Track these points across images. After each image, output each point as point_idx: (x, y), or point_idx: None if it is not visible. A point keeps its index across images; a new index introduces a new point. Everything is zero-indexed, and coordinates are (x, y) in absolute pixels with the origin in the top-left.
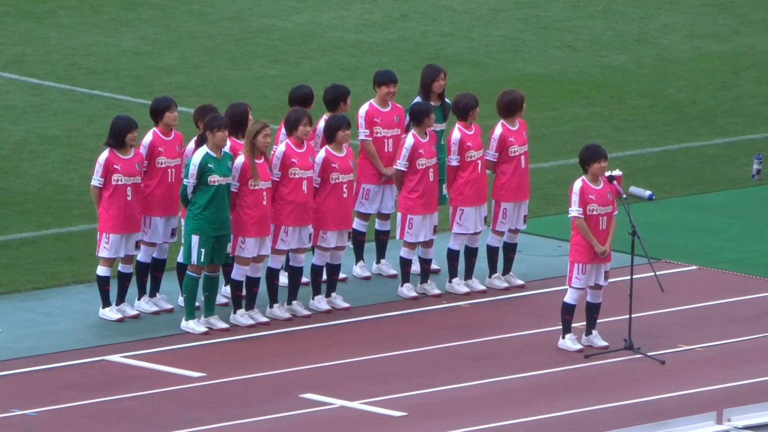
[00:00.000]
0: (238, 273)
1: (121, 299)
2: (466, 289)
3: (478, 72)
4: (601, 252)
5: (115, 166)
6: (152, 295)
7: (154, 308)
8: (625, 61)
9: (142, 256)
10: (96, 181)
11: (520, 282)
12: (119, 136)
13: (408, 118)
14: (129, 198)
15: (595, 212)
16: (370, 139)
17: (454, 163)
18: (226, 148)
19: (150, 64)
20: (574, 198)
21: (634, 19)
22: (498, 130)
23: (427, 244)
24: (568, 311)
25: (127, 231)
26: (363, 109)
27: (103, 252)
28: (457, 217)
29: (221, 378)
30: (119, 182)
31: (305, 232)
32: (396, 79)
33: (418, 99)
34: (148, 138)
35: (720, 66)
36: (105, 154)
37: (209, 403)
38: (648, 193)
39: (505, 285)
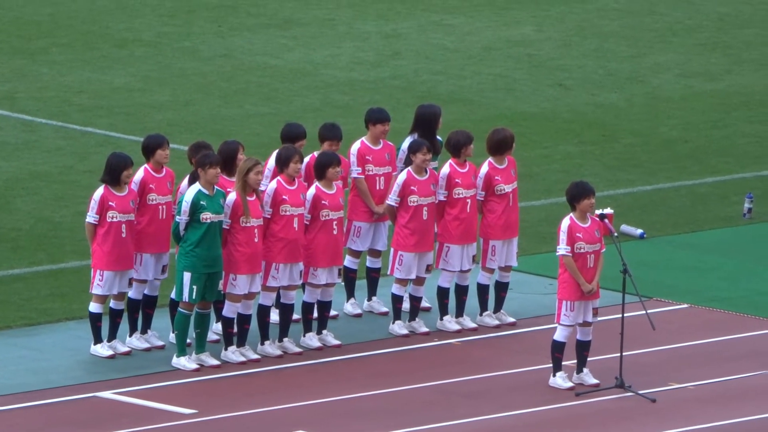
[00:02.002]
0: (230, 310)
1: (112, 336)
2: (457, 327)
3: (470, 110)
4: (588, 290)
5: (110, 203)
6: (144, 331)
7: (146, 345)
8: (617, 100)
9: (133, 292)
10: (91, 217)
11: (512, 320)
12: (114, 173)
13: (402, 155)
14: (123, 235)
15: (582, 250)
16: (363, 177)
17: (441, 197)
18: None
19: (142, 101)
20: (562, 236)
21: (626, 58)
22: (484, 168)
23: (419, 281)
24: (558, 349)
25: (121, 268)
26: (355, 147)
27: (97, 289)
28: (443, 254)
29: (212, 415)
30: (114, 219)
31: (296, 269)
32: (389, 116)
33: (409, 137)
34: (139, 175)
35: (712, 105)
36: (100, 191)
37: None
38: (639, 231)
39: (496, 323)
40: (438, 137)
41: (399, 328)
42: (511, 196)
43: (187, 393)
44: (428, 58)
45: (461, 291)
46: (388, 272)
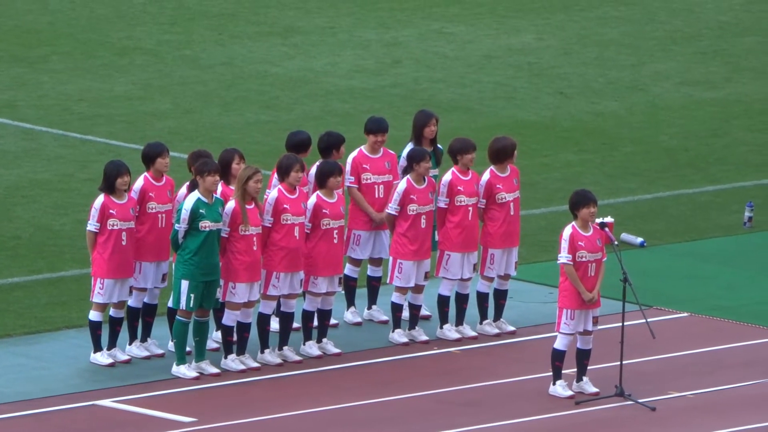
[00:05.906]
0: (229, 318)
1: (112, 344)
2: (457, 335)
3: (471, 118)
4: (589, 299)
5: (111, 211)
6: (143, 340)
7: (145, 353)
8: (617, 108)
9: (133, 301)
10: (92, 226)
11: (511, 328)
12: (109, 180)
13: (403, 162)
14: (124, 243)
15: (584, 259)
16: (356, 186)
17: (442, 205)
18: (217, 194)
19: (142, 110)
20: (564, 244)
21: (627, 67)
22: (485, 176)
23: (417, 289)
24: (558, 357)
25: (122, 276)
26: (351, 156)
27: (98, 297)
28: (444, 261)
29: (212, 423)
30: (114, 227)
31: (297, 278)
32: (386, 128)
33: (410, 144)
34: (139, 183)
35: (712, 113)
36: (100, 199)
37: None
38: (639, 240)
39: (496, 331)
40: (439, 146)
41: (399, 336)
42: (512, 205)
43: (186, 401)
44: (428, 66)
45: (462, 299)
46: (388, 281)
